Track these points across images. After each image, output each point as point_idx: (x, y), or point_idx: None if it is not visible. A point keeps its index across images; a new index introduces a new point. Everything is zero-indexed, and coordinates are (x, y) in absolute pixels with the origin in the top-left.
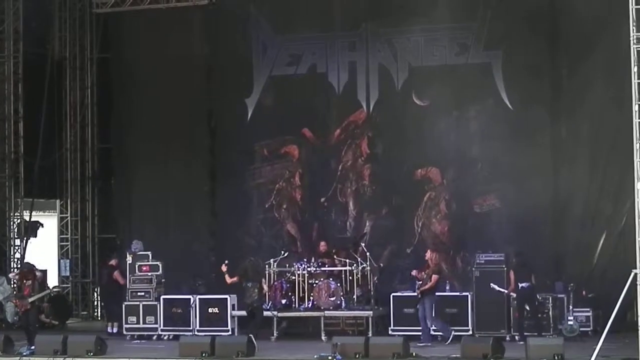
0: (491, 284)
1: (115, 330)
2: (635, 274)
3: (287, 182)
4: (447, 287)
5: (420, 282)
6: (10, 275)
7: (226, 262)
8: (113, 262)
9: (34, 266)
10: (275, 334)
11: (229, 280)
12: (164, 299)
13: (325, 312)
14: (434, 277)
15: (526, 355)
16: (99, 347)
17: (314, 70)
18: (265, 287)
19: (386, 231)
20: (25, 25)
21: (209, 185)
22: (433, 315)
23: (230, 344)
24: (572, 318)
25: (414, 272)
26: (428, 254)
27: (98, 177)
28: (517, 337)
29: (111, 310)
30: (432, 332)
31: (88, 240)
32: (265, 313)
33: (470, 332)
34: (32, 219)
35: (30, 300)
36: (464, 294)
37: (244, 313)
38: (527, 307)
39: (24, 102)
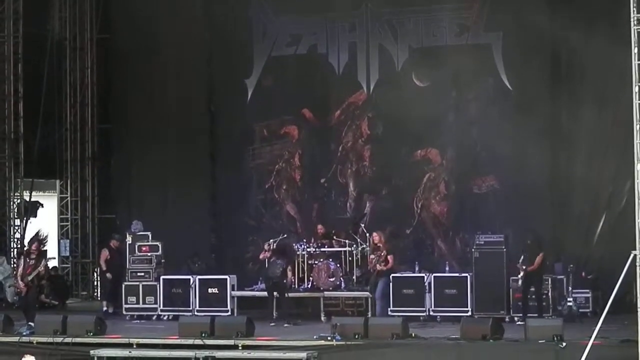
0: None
1: (110, 310)
2: (635, 256)
3: (286, 163)
4: (447, 268)
5: (372, 265)
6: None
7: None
8: (112, 242)
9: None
10: (274, 315)
11: (261, 256)
12: (163, 279)
13: (325, 292)
14: (390, 257)
15: (525, 336)
16: (98, 327)
17: (314, 51)
18: (289, 274)
19: (386, 212)
20: (25, 6)
21: (209, 166)
22: (382, 296)
23: (229, 324)
24: (571, 299)
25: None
26: (376, 238)
27: (98, 157)
28: (516, 318)
29: (105, 291)
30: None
31: (88, 220)
32: (265, 293)
33: (470, 313)
34: (32, 199)
35: (29, 278)
36: (463, 275)
37: (245, 293)
38: (533, 289)
39: (24, 83)
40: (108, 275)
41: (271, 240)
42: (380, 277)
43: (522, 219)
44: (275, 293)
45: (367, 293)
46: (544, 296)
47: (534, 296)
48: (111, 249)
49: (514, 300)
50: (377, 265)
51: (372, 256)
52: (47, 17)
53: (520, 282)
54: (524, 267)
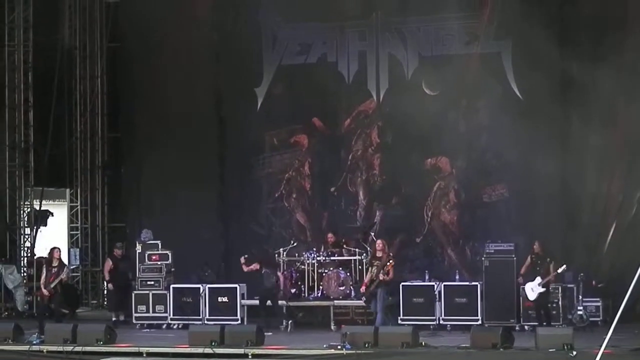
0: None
1: (122, 318)
2: None
3: (296, 172)
4: (457, 277)
5: (374, 274)
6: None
7: (245, 255)
8: (115, 252)
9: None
10: (284, 323)
11: (245, 268)
12: (173, 288)
13: (335, 301)
14: (392, 268)
15: (535, 345)
16: (108, 335)
17: (324, 60)
18: (281, 277)
19: (396, 221)
20: (35, 15)
21: (219, 175)
22: (383, 307)
23: (239, 332)
24: (581, 308)
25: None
26: (379, 246)
27: (108, 166)
28: (526, 327)
29: (111, 300)
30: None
31: (98, 229)
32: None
33: (480, 322)
34: (42, 208)
35: (52, 286)
36: (473, 283)
37: (254, 302)
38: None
39: (34, 91)
40: (109, 285)
41: (246, 255)
42: (379, 287)
43: (532, 227)
44: (268, 302)
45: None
46: (554, 305)
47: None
48: (114, 258)
49: (524, 308)
50: (380, 275)
51: (374, 264)
52: (57, 26)
53: (533, 292)
54: (538, 279)
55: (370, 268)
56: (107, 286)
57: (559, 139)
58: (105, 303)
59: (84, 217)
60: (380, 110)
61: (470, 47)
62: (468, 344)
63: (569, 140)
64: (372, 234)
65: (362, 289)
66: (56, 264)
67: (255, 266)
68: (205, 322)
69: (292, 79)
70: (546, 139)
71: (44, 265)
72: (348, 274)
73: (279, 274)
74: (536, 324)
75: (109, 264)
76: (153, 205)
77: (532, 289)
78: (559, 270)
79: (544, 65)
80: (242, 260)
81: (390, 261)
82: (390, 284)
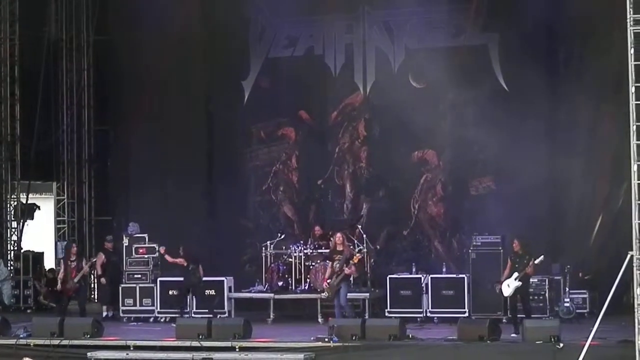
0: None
1: (110, 314)
2: (632, 256)
3: (283, 165)
4: (444, 269)
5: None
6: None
7: (163, 247)
8: (106, 245)
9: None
10: (271, 316)
11: (170, 259)
12: (160, 281)
13: (322, 294)
14: (355, 260)
15: (522, 337)
16: (95, 329)
17: (310, 53)
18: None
19: (383, 213)
20: (22, 8)
21: (206, 168)
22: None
23: (226, 326)
24: (568, 300)
25: (326, 284)
26: (338, 240)
27: (95, 159)
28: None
29: (105, 294)
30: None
31: (85, 222)
32: (262, 295)
33: (467, 314)
34: (29, 202)
35: (75, 280)
36: (460, 276)
37: (241, 295)
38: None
39: (21, 84)
40: (102, 280)
41: (164, 247)
42: (343, 282)
43: (519, 220)
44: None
45: (365, 294)
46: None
47: (518, 295)
48: (107, 251)
49: (511, 301)
50: (346, 269)
51: (336, 258)
52: (43, 19)
53: (509, 287)
54: (515, 274)
55: (331, 263)
56: (99, 280)
57: (545, 131)
58: (92, 296)
59: (71, 211)
60: (367, 103)
61: (457, 39)
62: (455, 337)
63: (555, 133)
64: (359, 226)
65: (325, 284)
66: (74, 259)
67: (181, 261)
68: (192, 315)
69: (279, 71)
70: (533, 132)
71: (62, 261)
72: None
73: (200, 269)
74: (523, 316)
75: (101, 257)
76: (140, 198)
77: (509, 285)
78: (536, 262)
79: (531, 58)
80: (162, 250)
81: (357, 254)
82: (354, 278)
